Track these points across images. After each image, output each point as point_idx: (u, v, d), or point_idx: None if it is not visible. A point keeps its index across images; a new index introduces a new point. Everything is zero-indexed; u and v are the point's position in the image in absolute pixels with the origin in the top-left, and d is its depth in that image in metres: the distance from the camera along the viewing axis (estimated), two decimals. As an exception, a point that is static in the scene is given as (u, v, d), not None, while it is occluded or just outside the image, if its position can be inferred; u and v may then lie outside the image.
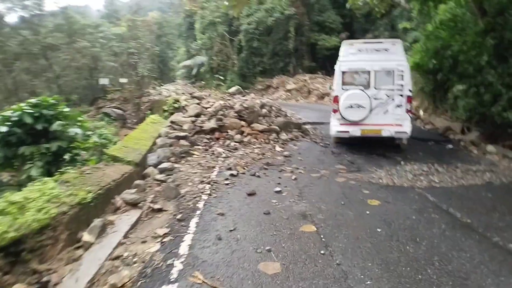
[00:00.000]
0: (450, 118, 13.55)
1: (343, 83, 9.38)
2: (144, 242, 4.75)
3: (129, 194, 6.11)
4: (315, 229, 4.68)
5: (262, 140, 10.27)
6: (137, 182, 6.83)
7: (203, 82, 33.86)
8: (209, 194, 6.22)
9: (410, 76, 9.59)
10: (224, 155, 9.01)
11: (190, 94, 19.79)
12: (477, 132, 10.44)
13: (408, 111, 9.33)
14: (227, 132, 10.55)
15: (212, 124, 10.74)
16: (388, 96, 9.22)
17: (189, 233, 4.78)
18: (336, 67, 9.66)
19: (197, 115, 11.71)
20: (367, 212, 5.21)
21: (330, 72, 22.29)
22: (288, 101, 25.85)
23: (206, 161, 8.40)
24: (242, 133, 10.62)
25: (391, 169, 7.67)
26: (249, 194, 6.15)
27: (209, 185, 6.66)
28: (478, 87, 10.92)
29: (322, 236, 4.47)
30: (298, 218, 5.08)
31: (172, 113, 13.22)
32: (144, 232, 5.05)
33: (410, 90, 9.42)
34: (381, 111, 9.23)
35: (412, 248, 4.10)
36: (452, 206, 5.46)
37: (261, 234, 4.59)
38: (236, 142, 10.08)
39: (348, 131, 9.36)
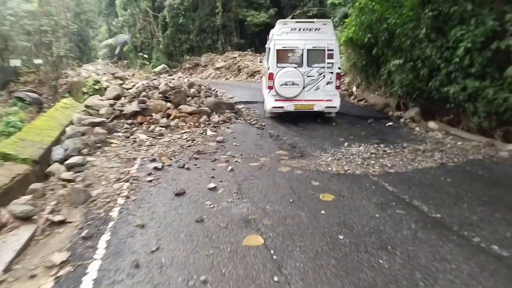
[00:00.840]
0: (385, 94, 13.26)
1: (278, 61, 9.46)
2: (33, 277, 3.35)
3: (19, 205, 4.56)
4: (262, 241, 3.57)
5: (192, 123, 8.95)
6: (34, 186, 5.23)
7: (126, 62, 31.06)
8: (127, 197, 4.84)
9: (339, 53, 10.08)
10: (147, 142, 7.58)
11: (112, 74, 17.73)
12: (416, 108, 10.06)
13: (337, 87, 9.71)
14: (151, 116, 9.07)
15: (133, 107, 9.16)
16: (319, 74, 9.53)
17: (96, 259, 3.45)
18: (271, 45, 9.72)
19: (117, 98, 10.03)
20: (323, 212, 4.21)
21: (259, 49, 21.19)
22: (218, 80, 24.48)
23: (126, 152, 6.93)
24: (168, 116, 9.20)
25: (336, 153, 6.82)
26: (177, 194, 4.87)
27: (128, 184, 5.26)
28: (414, 62, 10.53)
29: (272, 251, 3.37)
30: (240, 225, 3.93)
31: (93, 96, 11.36)
32: (36, 260, 3.62)
33: (339, 68, 9.85)
34: (313, 88, 9.56)
35: (386, 261, 3.16)
36: (415, 198, 4.65)
37: (193, 254, 3.39)
38: (162, 126, 8.67)
39: (282, 107, 9.59)
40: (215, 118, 9.48)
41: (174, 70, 27.25)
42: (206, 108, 9.72)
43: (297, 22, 9.98)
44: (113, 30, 36.61)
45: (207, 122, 9.11)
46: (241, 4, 27.20)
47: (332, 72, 9.54)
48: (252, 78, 24.19)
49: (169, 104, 9.48)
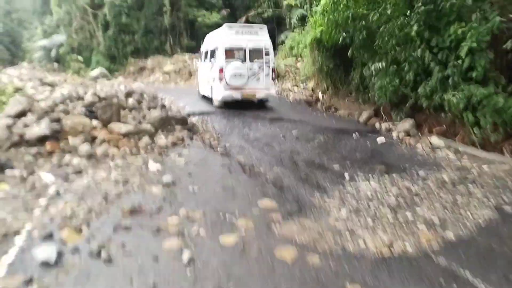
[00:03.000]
0: (357, 101, 11.12)
1: (226, 58, 10.61)
2: None
3: None
4: None
5: (127, 149, 6.07)
6: None
7: (57, 65, 26.77)
8: None
9: (274, 53, 12.01)
10: (53, 189, 4.63)
11: (39, 80, 14.14)
12: (410, 119, 7.90)
13: (273, 79, 11.39)
14: (68, 141, 6.07)
15: (41, 128, 6.07)
16: (259, 67, 10.95)
17: None
18: (219, 45, 10.84)
19: (21, 114, 6.81)
20: None
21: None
22: (166, 85, 21.31)
23: (10, 212, 3.97)
24: (93, 139, 6.23)
25: (345, 197, 4.35)
26: None
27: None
28: (399, 64, 8.43)
29: None
30: None
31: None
32: None
33: (273, 63, 11.63)
34: (255, 79, 10.92)
35: None
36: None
37: None
38: (81, 157, 5.70)
39: (232, 95, 10.68)
40: (162, 139, 6.65)
41: (117, 73, 23.65)
42: (149, 126, 6.86)
43: (240, 26, 12.04)
44: (48, 30, 31.74)
45: (149, 147, 6.28)
46: (191, 3, 24.12)
47: (269, 67, 11.09)
48: (204, 82, 21.36)
49: (95, 122, 6.50)
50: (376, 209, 3.95)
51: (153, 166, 5.47)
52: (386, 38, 8.52)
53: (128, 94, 8.75)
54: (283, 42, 21.07)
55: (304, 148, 6.73)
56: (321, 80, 13.60)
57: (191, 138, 7.02)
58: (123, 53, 25.31)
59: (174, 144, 6.64)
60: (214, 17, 22.93)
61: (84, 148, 5.85)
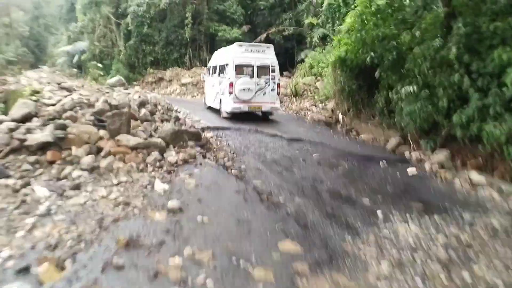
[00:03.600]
0: (380, 125, 10.36)
1: (236, 73, 11.23)
2: None
3: None
4: None
5: (134, 164, 5.43)
6: None
7: (76, 71, 26.72)
8: None
9: (279, 69, 12.29)
10: (44, 206, 4.00)
11: (58, 84, 13.80)
12: (444, 150, 7.09)
13: (278, 93, 12.10)
14: (71, 150, 5.47)
15: (44, 135, 5.51)
16: (265, 83, 11.58)
17: None
18: (229, 61, 11.50)
19: (26, 118, 6.30)
20: None
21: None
22: (183, 97, 20.92)
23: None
24: (98, 151, 5.63)
25: (382, 242, 3.59)
26: None
27: None
28: (433, 89, 7.71)
29: None
30: None
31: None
32: None
33: (279, 79, 12.24)
34: (261, 93, 11.54)
35: None
36: None
37: None
38: (83, 170, 5.08)
39: (240, 107, 11.27)
40: (172, 156, 6.01)
41: (135, 83, 23.37)
42: (159, 140, 6.24)
43: (249, 45, 12.32)
44: (72, 36, 31.95)
45: (158, 164, 5.63)
46: (212, 17, 23.87)
47: (274, 82, 11.78)
48: (221, 96, 20.88)
49: (102, 132, 5.91)
50: (424, 264, 3.17)
51: (160, 186, 4.81)
52: (419, 61, 7.82)
53: (142, 104, 8.22)
54: (302, 61, 20.51)
55: (327, 175, 5.99)
56: (342, 101, 12.87)
57: (204, 156, 6.36)
58: (142, 63, 25.12)
59: (185, 162, 5.98)
60: (235, 32, 22.55)
61: (87, 160, 5.24)
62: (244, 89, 11.15)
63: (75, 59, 29.57)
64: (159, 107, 8.91)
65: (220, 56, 13.23)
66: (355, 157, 7.28)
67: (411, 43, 8.05)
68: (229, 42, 22.58)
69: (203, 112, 13.40)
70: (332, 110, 14.02)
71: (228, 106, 11.33)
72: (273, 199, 4.62)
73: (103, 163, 5.32)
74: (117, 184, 4.77)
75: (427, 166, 6.79)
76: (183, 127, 8.06)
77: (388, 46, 8.57)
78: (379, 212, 4.50)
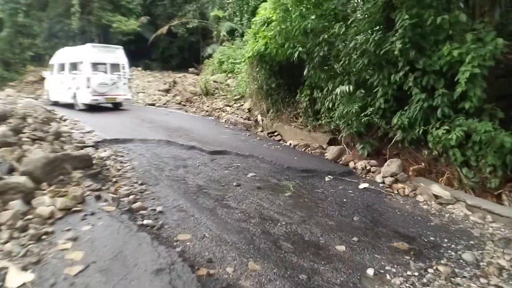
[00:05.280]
0: (305, 127, 9.15)
1: (92, 70, 12.40)
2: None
3: None
4: None
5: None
6: None
7: None
8: None
9: (129, 66, 14.11)
10: None
11: None
12: (396, 160, 5.96)
13: (128, 87, 13.74)
14: None
15: None
16: (118, 78, 13.09)
17: None
18: (85, 59, 12.46)
19: None
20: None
21: (129, 62, 17.26)
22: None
23: None
24: None
25: None
26: None
27: None
28: (370, 90, 6.66)
29: None
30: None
31: None
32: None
33: (130, 75, 14.29)
34: (115, 87, 12.98)
35: None
36: None
37: None
38: None
39: (98, 99, 12.46)
40: (45, 204, 3.69)
41: (11, 83, 18.75)
42: (23, 179, 3.84)
43: (102, 46, 13.51)
44: None
45: (20, 223, 3.29)
46: (105, 6, 20.21)
47: (125, 78, 13.32)
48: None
49: None
50: None
51: (17, 279, 2.57)
52: (354, 56, 6.67)
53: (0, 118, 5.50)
54: (210, 56, 18.61)
55: (275, 207, 4.34)
56: (260, 100, 11.45)
57: (98, 197, 4.12)
58: (20, 58, 20.32)
59: (68, 212, 3.71)
60: (132, 24, 19.52)
61: None
62: (100, 84, 12.44)
63: None
64: (30, 120, 6.20)
65: (69, 55, 13.69)
66: (296, 173, 5.79)
67: (345, 36, 6.85)
68: (126, 34, 19.48)
69: (98, 117, 10.65)
70: (249, 110, 12.52)
71: (86, 98, 12.28)
72: (218, 275, 2.77)
73: None
74: None
75: (378, 178, 5.63)
76: (65, 148, 5.60)
77: (318, 40, 7.27)
78: (369, 271, 3.02)
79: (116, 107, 13.55)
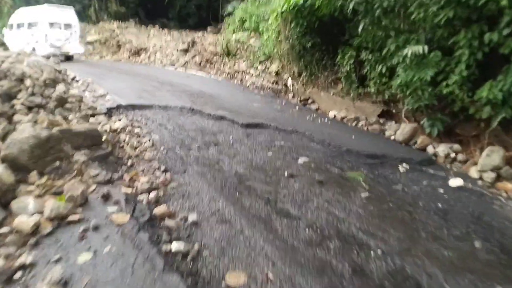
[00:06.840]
0: (347, 95, 7.54)
1: (50, 27, 13.73)
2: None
3: None
4: None
5: None
6: None
7: None
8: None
9: (79, 25, 15.26)
10: None
11: None
12: (498, 148, 4.41)
13: (79, 42, 14.92)
14: None
15: None
16: (70, 34, 14.35)
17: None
18: (43, 18, 13.71)
19: None
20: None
21: (144, 21, 16.53)
22: (89, 58, 15.83)
23: None
24: None
25: None
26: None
27: None
28: (450, 51, 4.99)
29: None
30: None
31: None
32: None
33: (79, 32, 15.15)
34: (68, 42, 14.20)
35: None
36: None
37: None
38: None
39: (54, 52, 13.29)
40: (26, 211, 2.37)
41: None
42: (0, 170, 2.50)
43: (56, 6, 14.51)
44: None
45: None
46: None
47: (76, 33, 14.73)
48: (137, 57, 16.19)
49: None
50: None
51: None
52: (435, 8, 4.92)
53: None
54: (230, 14, 16.56)
55: (355, 218, 2.94)
56: (291, 62, 9.74)
57: (106, 197, 2.78)
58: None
59: (60, 222, 2.40)
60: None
61: None
62: (56, 39, 13.72)
63: None
64: (28, 82, 4.78)
65: (27, 14, 14.45)
66: (359, 159, 4.33)
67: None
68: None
69: (113, 79, 9.20)
70: (277, 73, 10.84)
71: (45, 51, 12.93)
72: None
73: None
74: None
75: (473, 172, 4.12)
76: (69, 118, 4.23)
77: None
78: None
79: (69, 59, 14.33)
